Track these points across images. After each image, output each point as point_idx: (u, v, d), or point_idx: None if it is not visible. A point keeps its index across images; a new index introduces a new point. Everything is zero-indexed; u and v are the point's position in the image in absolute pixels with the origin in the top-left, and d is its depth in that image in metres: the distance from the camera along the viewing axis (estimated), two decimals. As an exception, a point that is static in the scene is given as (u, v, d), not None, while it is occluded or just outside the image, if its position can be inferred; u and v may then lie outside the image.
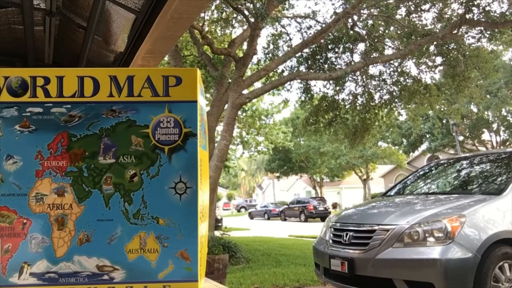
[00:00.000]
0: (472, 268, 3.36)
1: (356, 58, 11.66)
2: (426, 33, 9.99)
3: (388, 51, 11.31)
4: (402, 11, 10.91)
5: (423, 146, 27.40)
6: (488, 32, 10.27)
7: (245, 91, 10.00)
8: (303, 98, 12.23)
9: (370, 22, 11.29)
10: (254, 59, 11.54)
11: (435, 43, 10.44)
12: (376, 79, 11.91)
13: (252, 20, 9.37)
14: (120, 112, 0.79)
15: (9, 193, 0.77)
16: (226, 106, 10.11)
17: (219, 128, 12.27)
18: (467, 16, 9.70)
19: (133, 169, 0.78)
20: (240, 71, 9.46)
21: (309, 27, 11.38)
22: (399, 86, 11.59)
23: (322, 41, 10.81)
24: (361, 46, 11.51)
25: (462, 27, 10.03)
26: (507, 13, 9.62)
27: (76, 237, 0.77)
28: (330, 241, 4.28)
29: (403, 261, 3.54)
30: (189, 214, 0.78)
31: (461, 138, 24.04)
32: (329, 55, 11.52)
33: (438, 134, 23.41)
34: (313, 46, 10.92)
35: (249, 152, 20.20)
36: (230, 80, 10.03)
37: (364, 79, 11.74)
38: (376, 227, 3.82)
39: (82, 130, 0.79)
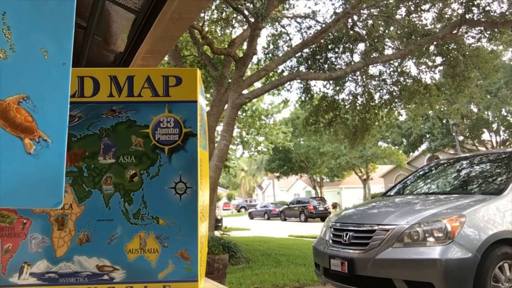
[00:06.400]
0: (472, 268, 3.36)
1: (356, 58, 11.68)
2: (426, 33, 9.99)
3: (388, 51, 11.31)
4: (402, 11, 10.91)
5: (423, 146, 27.42)
6: (488, 32, 10.27)
7: (245, 91, 9.99)
8: (303, 98, 12.23)
9: (370, 22, 11.28)
10: (254, 59, 11.55)
11: (435, 43, 10.44)
12: (376, 79, 11.91)
13: (252, 20, 9.36)
14: (120, 112, 0.79)
15: None
16: (226, 106, 10.11)
17: (219, 128, 12.27)
18: (467, 16, 9.70)
19: (133, 169, 0.78)
20: (240, 71, 9.46)
21: (309, 27, 11.39)
22: (399, 86, 11.58)
23: (322, 41, 10.81)
24: (361, 46, 11.52)
25: (462, 27, 10.03)
26: (507, 13, 9.62)
27: (76, 237, 0.77)
28: (330, 241, 4.29)
29: (403, 261, 3.54)
30: (189, 214, 0.78)
31: (461, 138, 24.04)
32: (329, 55, 11.52)
33: (438, 134, 23.40)
34: (313, 46, 10.92)
35: (249, 152, 20.19)
36: (230, 80, 10.02)
37: (364, 79, 11.73)
38: (376, 227, 3.82)
39: (82, 130, 0.79)
